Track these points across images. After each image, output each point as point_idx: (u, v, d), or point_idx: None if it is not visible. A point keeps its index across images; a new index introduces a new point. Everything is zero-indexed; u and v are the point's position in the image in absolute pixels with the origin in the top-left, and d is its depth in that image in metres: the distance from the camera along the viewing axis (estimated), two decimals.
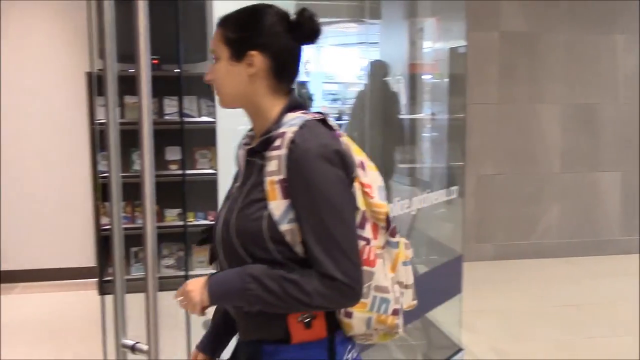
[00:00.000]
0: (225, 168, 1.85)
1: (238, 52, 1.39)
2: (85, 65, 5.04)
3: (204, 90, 4.94)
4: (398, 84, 4.32)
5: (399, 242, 1.44)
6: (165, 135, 3.94)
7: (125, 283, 1.54)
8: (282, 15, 1.40)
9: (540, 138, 6.10)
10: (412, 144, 4.28)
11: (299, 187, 1.31)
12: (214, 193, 4.79)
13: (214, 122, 4.88)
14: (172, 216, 5.05)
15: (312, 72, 6.12)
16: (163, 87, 4.10)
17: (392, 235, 1.43)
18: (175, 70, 4.76)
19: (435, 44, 4.15)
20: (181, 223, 5.04)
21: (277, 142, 1.33)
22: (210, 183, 4.84)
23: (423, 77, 4.26)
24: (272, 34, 1.38)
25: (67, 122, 5.22)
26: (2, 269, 5.19)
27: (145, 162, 1.36)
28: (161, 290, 1.43)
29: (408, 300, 1.47)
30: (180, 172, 5.00)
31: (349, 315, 1.38)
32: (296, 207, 1.32)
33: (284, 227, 1.32)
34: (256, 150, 1.40)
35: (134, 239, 2.61)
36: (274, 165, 1.33)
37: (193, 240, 1.39)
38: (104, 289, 4.97)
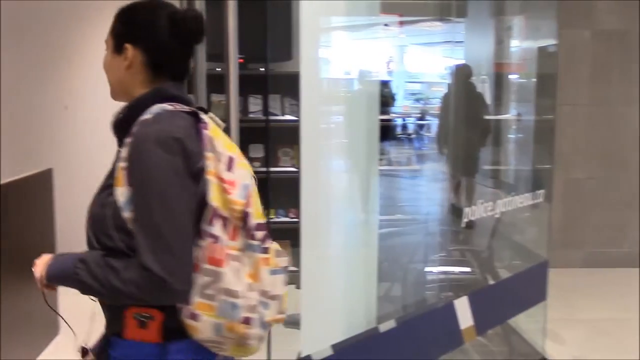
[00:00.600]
0: (308, 166, 1.87)
1: (118, 45, 1.44)
2: None
3: (287, 89, 5.01)
4: (483, 84, 4.22)
5: (268, 248, 1.35)
6: (250, 133, 4.02)
7: None
8: (169, 13, 1.41)
9: (633, 142, 5.81)
10: (497, 146, 4.18)
11: (134, 173, 1.28)
12: (295, 191, 4.87)
13: (297, 121, 4.95)
14: None
15: (395, 72, 6.07)
16: (248, 85, 4.17)
17: (253, 238, 1.33)
18: (261, 69, 4.86)
19: (523, 43, 4.03)
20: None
21: (134, 129, 1.32)
22: (292, 181, 4.89)
23: (509, 76, 4.15)
24: (148, 30, 1.41)
25: None
26: None
27: None
28: None
29: (273, 313, 1.35)
30: (262, 169, 5.09)
31: (194, 317, 1.28)
32: (132, 192, 1.29)
33: (126, 214, 1.28)
34: (118, 137, 1.41)
35: None
36: (125, 152, 1.31)
37: (275, 236, 1.40)
38: None
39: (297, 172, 5.29)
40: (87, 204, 1.40)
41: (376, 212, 2.38)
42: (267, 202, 5.07)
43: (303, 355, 1.85)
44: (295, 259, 5.69)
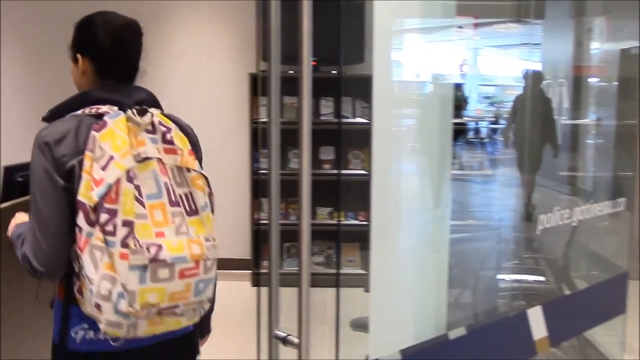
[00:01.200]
0: (379, 169, 1.85)
1: (74, 55, 1.71)
2: (249, 66, 5.31)
3: (359, 92, 5.01)
4: (561, 88, 4.09)
5: (129, 245, 1.46)
6: (321, 135, 4.03)
7: (280, 277, 1.60)
8: (105, 24, 1.69)
9: None
10: (574, 151, 4.03)
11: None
12: (365, 194, 4.86)
13: (368, 123, 4.95)
14: (323, 214, 5.16)
15: (468, 75, 5.97)
16: (320, 88, 4.19)
17: (109, 233, 1.46)
18: (333, 72, 4.88)
19: (604, 45, 3.88)
20: (332, 221, 5.14)
21: None
22: (362, 184, 4.89)
23: (589, 80, 4.00)
24: (91, 41, 1.68)
25: (229, 121, 5.52)
26: None
27: (303, 161, 1.40)
28: (310, 286, 1.46)
29: (127, 305, 1.46)
30: (333, 171, 5.10)
31: (80, 292, 1.56)
32: None
33: None
34: None
35: (287, 235, 2.69)
36: None
37: (344, 239, 1.41)
38: (257, 280, 5.20)
39: (368, 175, 5.27)
40: None
41: (448, 217, 2.34)
42: (338, 205, 5.09)
43: (371, 358, 1.84)
44: (364, 262, 5.68)
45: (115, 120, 1.54)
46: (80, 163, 1.52)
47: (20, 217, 1.77)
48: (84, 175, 1.50)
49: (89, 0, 5.50)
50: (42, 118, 1.64)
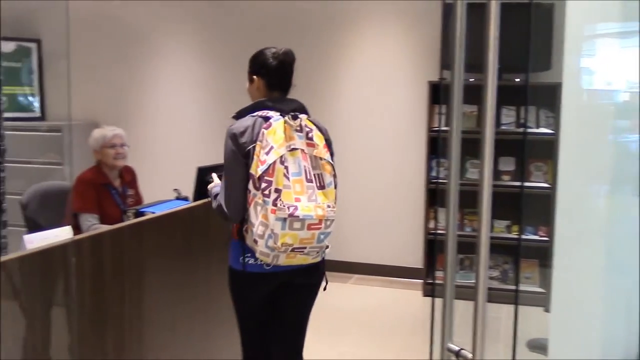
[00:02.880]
0: (566, 183, 1.75)
1: (250, 77, 2.56)
2: (429, 74, 5.28)
3: (544, 101, 4.76)
4: None
5: (277, 203, 2.20)
6: (501, 145, 3.88)
7: (454, 289, 1.56)
8: (272, 54, 2.52)
9: None
10: None
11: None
12: (546, 208, 4.61)
13: (553, 134, 4.69)
14: (500, 227, 4.98)
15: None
16: (501, 96, 4.05)
17: (266, 195, 2.22)
18: (516, 80, 4.69)
19: None
20: (509, 235, 4.94)
21: None
22: (543, 197, 4.65)
23: None
24: (264, 65, 2.51)
25: (407, 128, 5.52)
26: (341, 260, 5.72)
27: (484, 172, 1.36)
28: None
29: (273, 243, 2.22)
30: (512, 183, 4.90)
31: (246, 232, 2.34)
32: None
33: None
34: None
35: (462, 246, 2.63)
36: None
37: (522, 254, 1.35)
38: (428, 290, 5.14)
39: (550, 189, 5.00)
40: None
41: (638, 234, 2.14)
42: (519, 218, 4.88)
43: None
44: (543, 280, 5.35)
45: (277, 122, 2.31)
46: (254, 148, 2.30)
47: (216, 181, 2.62)
48: (255, 157, 2.28)
49: (281, 1, 5.76)
50: (232, 116, 2.47)
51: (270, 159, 2.24)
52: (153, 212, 2.94)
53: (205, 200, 3.12)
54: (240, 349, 2.69)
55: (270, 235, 2.22)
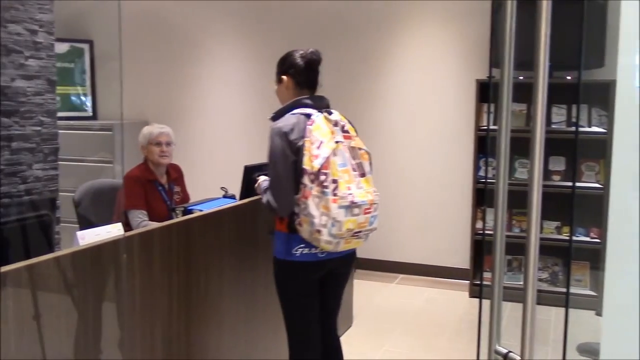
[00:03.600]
0: (620, 184, 1.70)
1: (279, 78, 2.70)
2: (476, 72, 5.21)
3: (596, 99, 4.65)
4: None
5: (337, 193, 2.37)
6: (551, 144, 3.80)
7: (502, 290, 1.54)
8: (300, 55, 2.64)
9: None
10: None
11: (268, 148, 2.52)
12: (598, 209, 4.49)
13: (605, 133, 4.57)
14: (550, 228, 4.88)
15: None
16: (552, 94, 3.97)
17: (325, 187, 2.36)
18: (567, 77, 4.59)
19: None
20: (559, 237, 4.84)
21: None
22: (595, 198, 4.54)
23: None
24: (292, 65, 2.64)
25: (454, 127, 5.46)
26: (387, 260, 5.70)
27: (534, 172, 1.33)
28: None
29: (337, 230, 2.39)
30: (562, 183, 4.80)
31: (300, 224, 2.46)
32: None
33: None
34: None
35: (509, 247, 2.59)
36: None
37: (575, 256, 1.32)
38: (475, 292, 5.07)
39: (602, 189, 4.87)
40: None
41: None
42: (570, 220, 4.77)
43: None
44: (594, 283, 5.22)
45: (319, 118, 2.48)
46: (303, 144, 2.43)
47: (263, 178, 2.70)
48: (305, 152, 2.42)
49: (326, 1, 5.77)
50: (270, 117, 2.62)
51: (324, 153, 2.39)
52: (201, 210, 2.98)
53: (252, 198, 3.15)
54: (290, 351, 2.70)
55: (333, 224, 2.37)
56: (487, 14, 5.16)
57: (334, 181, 2.37)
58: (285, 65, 2.66)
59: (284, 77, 2.65)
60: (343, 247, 2.47)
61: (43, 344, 1.94)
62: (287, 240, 2.54)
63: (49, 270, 1.98)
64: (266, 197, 2.52)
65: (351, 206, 2.39)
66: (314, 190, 2.38)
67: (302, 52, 2.65)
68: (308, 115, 2.50)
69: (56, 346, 1.99)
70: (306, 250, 2.52)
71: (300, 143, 2.44)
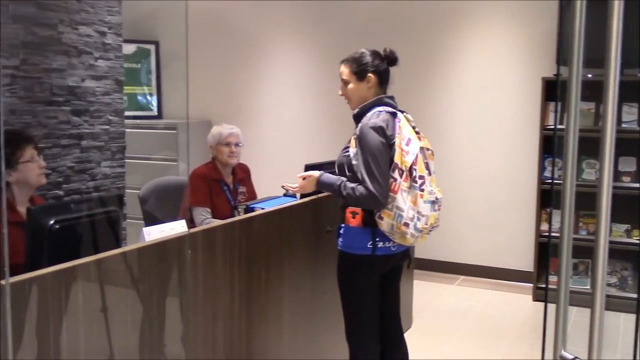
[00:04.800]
0: None
1: (362, 76, 2.70)
2: (542, 70, 5.08)
3: None
4: None
5: (424, 189, 2.50)
6: (621, 144, 3.66)
7: (569, 295, 1.49)
8: (376, 52, 2.71)
9: None
10: None
11: (361, 142, 2.56)
12: None
13: None
14: (619, 232, 4.71)
15: None
16: (622, 92, 3.83)
17: (415, 182, 2.49)
18: (639, 75, 4.42)
19: None
20: (630, 240, 4.66)
21: (363, 120, 2.61)
22: None
23: None
24: (377, 64, 2.70)
25: (519, 126, 5.34)
26: (448, 261, 5.63)
27: (604, 172, 1.28)
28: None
29: (422, 224, 2.50)
30: (633, 184, 4.63)
31: (380, 218, 2.52)
32: (359, 152, 2.56)
33: (354, 161, 2.59)
34: (356, 121, 2.69)
35: (575, 250, 2.52)
36: (357, 130, 2.61)
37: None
38: (539, 295, 4.94)
39: None
40: None
41: None
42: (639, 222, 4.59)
43: None
44: None
45: (402, 116, 2.62)
46: (395, 140, 2.53)
47: (313, 174, 2.74)
48: (396, 147, 2.52)
49: (388, 1, 5.75)
50: (354, 114, 2.70)
51: (413, 149, 2.52)
52: (262, 208, 3.02)
53: (312, 197, 3.16)
54: (350, 346, 2.71)
55: (419, 218, 2.49)
56: (552, 11, 5.02)
57: (421, 177, 2.50)
58: (368, 64, 2.69)
59: (370, 75, 2.68)
60: (419, 241, 2.58)
61: (110, 335, 2.01)
62: (361, 234, 2.59)
63: (117, 264, 2.04)
64: (358, 192, 2.53)
65: (435, 202, 2.54)
66: (403, 184, 2.48)
67: (377, 51, 2.72)
68: (394, 114, 2.60)
69: (122, 338, 2.05)
70: (381, 244, 2.58)
71: (394, 139, 2.54)
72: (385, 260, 2.65)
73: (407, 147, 2.51)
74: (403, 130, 2.54)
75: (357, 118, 2.67)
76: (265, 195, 3.58)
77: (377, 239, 2.57)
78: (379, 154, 2.52)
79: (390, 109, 2.62)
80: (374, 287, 2.68)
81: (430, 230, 2.58)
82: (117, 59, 4.21)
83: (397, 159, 2.50)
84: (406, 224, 2.47)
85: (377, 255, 2.60)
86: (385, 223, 2.51)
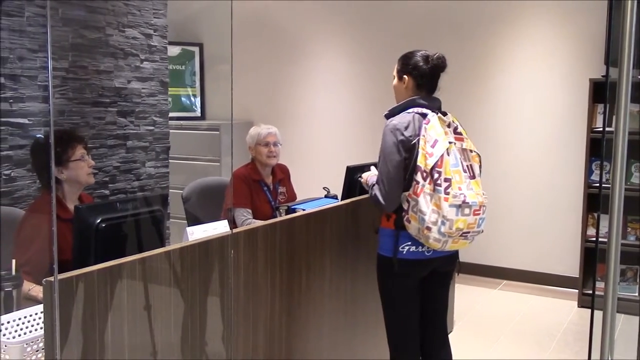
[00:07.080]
0: None
1: (401, 76, 2.69)
2: (589, 71, 4.97)
3: None
4: None
5: (449, 192, 2.39)
6: None
7: (617, 301, 1.45)
8: (424, 57, 2.63)
9: None
10: None
11: (381, 143, 2.57)
12: None
13: None
14: None
15: None
16: None
17: (438, 185, 2.39)
18: None
19: None
20: None
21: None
22: None
23: None
24: (415, 67, 2.63)
25: (565, 128, 5.24)
26: (491, 265, 5.55)
27: None
28: None
29: (447, 228, 2.40)
30: None
31: (408, 221, 2.49)
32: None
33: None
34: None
35: (623, 256, 2.45)
36: None
37: None
38: (585, 301, 4.83)
39: None
40: None
41: None
42: None
43: None
44: None
45: (434, 118, 2.51)
46: (419, 142, 2.46)
47: (371, 173, 2.78)
48: (420, 150, 2.45)
49: (432, 1, 5.71)
50: (385, 115, 2.66)
51: (438, 152, 2.42)
52: (303, 210, 3.03)
53: (354, 199, 3.16)
54: (391, 349, 2.70)
55: (443, 222, 2.40)
56: (600, 12, 4.90)
57: (447, 180, 2.40)
58: (410, 65, 2.65)
59: (406, 77, 2.65)
60: (450, 246, 2.49)
61: (153, 333, 2.04)
62: (394, 237, 2.56)
63: (160, 263, 2.07)
64: (373, 192, 2.59)
65: (462, 206, 2.41)
66: (426, 187, 2.41)
67: (428, 54, 2.64)
68: (424, 115, 2.53)
69: (164, 336, 2.08)
70: (413, 248, 2.55)
71: (414, 141, 2.48)
72: (420, 264, 2.59)
73: (432, 148, 2.43)
74: (430, 131, 2.46)
75: (388, 119, 2.65)
76: (305, 197, 3.59)
77: (409, 242, 2.54)
78: (389, 156, 2.52)
79: (421, 110, 2.56)
80: (410, 291, 2.65)
81: (466, 235, 2.47)
82: (162, 60, 4.29)
83: (420, 162, 2.44)
84: (428, 228, 2.41)
85: (409, 259, 2.56)
86: (412, 226, 2.49)
